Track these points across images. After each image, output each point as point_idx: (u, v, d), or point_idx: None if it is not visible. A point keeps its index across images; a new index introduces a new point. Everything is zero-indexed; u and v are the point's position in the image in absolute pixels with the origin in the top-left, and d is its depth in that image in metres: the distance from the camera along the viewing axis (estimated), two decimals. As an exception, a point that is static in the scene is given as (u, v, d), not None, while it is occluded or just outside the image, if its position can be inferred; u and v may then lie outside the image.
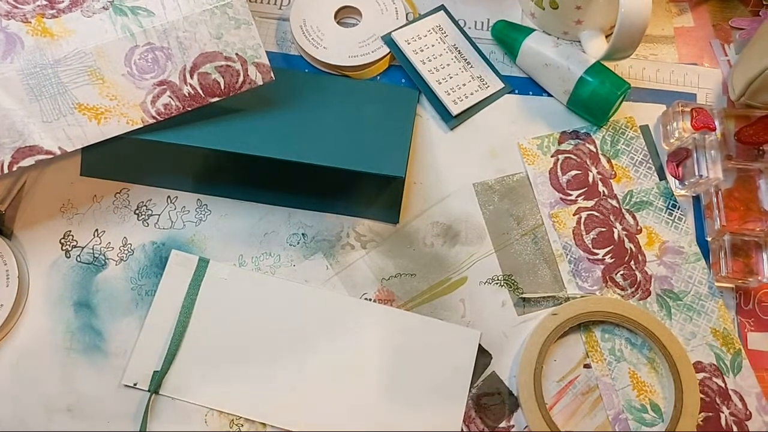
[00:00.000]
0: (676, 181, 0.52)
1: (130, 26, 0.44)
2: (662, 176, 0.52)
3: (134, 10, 0.44)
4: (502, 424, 0.46)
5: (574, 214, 0.50)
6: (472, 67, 0.54)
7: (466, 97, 0.53)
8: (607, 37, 0.54)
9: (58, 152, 0.44)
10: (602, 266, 0.49)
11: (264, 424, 0.45)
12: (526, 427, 0.45)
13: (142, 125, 0.45)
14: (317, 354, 0.46)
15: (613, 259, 0.49)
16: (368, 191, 0.50)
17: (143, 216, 0.50)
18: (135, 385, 0.45)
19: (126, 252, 0.49)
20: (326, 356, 0.46)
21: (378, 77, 0.54)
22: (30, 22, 0.43)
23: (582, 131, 0.53)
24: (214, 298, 0.47)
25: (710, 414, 0.46)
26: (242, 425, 0.45)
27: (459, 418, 0.45)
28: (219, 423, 0.45)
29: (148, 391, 0.45)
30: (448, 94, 0.53)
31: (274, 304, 0.47)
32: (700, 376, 0.47)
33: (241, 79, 0.46)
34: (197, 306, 0.47)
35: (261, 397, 0.45)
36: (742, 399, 0.46)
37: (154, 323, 0.47)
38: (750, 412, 0.46)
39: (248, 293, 0.48)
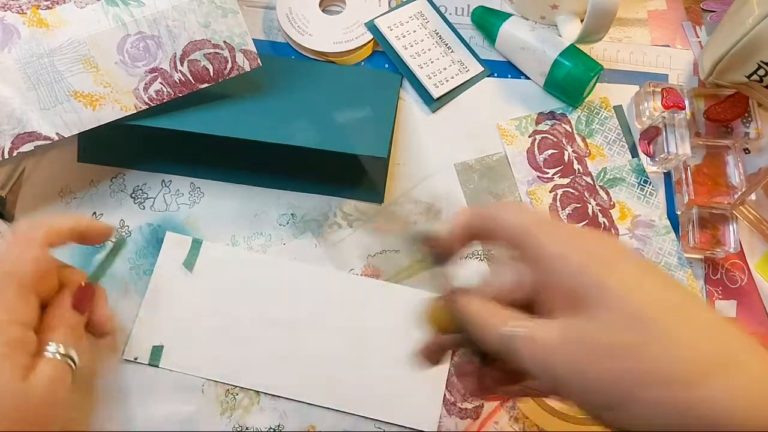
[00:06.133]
0: (648, 158, 0.54)
1: (122, 16, 0.46)
2: (635, 154, 0.54)
3: (125, 0, 0.46)
4: (483, 389, 0.48)
5: (550, 191, 0.53)
6: (452, 51, 0.56)
7: (447, 81, 0.55)
8: (582, 21, 0.56)
9: (56, 138, 0.46)
10: (577, 240, 0.52)
11: (257, 392, 0.47)
12: (505, 391, 0.48)
13: (135, 111, 0.47)
14: (307, 326, 0.49)
15: (587, 233, 0.52)
16: (354, 172, 0.53)
17: (139, 199, 0.52)
18: (135, 359, 0.48)
19: (123, 234, 0.51)
20: (315, 328, 0.49)
21: (362, 63, 0.56)
22: (25, 14, 0.45)
23: (558, 112, 0.55)
24: (208, 277, 0.50)
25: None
26: (237, 393, 0.47)
27: (442, 382, 0.48)
28: (215, 392, 0.47)
29: (149, 364, 0.47)
30: (430, 78, 0.55)
31: (265, 281, 0.50)
32: (670, 341, 0.49)
33: (229, 65, 0.48)
34: (193, 284, 0.49)
35: (254, 367, 0.48)
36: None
37: (152, 300, 0.49)
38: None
39: (240, 271, 0.50)
